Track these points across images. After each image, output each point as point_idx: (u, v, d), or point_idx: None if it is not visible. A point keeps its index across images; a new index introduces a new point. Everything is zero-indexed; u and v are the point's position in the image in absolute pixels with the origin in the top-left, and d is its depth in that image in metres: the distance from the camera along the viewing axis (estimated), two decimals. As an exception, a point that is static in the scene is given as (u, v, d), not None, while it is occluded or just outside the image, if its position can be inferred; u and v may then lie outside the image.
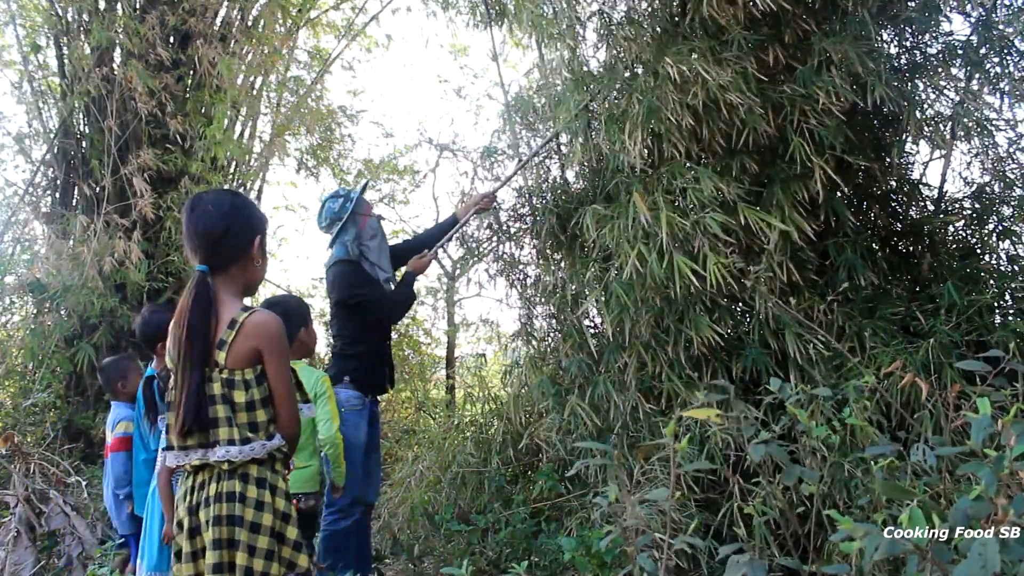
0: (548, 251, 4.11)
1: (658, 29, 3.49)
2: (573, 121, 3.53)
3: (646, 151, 3.23)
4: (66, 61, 6.28)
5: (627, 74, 3.53)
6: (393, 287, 3.57)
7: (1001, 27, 3.29)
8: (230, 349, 1.77)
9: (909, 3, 3.45)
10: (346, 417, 3.16)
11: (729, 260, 2.91)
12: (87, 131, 6.25)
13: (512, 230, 4.22)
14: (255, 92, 7.11)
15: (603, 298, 3.13)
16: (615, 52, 3.63)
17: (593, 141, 3.49)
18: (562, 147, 4.18)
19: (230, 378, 1.77)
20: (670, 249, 2.89)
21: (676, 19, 3.47)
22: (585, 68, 3.81)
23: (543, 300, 4.09)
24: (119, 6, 6.27)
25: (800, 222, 2.95)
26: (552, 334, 4.09)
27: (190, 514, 1.76)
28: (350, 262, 3.37)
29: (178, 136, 6.15)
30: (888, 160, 3.60)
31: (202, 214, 1.85)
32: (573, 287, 3.73)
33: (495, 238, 4.25)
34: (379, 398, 3.63)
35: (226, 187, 6.87)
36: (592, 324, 3.89)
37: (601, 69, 3.76)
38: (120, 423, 3.26)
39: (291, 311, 2.74)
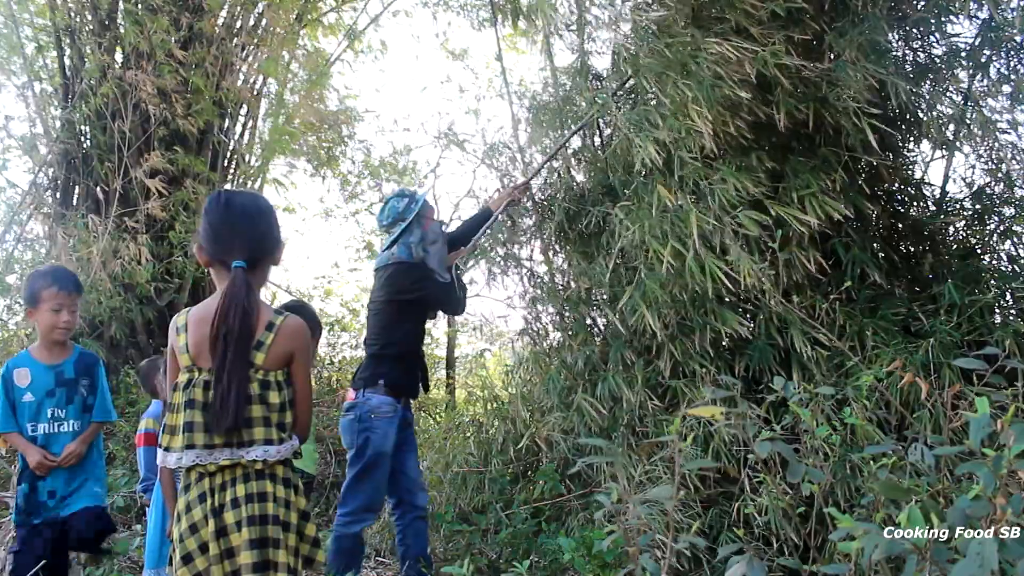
0: (556, 248, 4.13)
1: (679, 21, 3.47)
2: (607, 104, 3.44)
3: (663, 151, 3.21)
4: (67, 62, 6.29)
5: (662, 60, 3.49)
6: None
7: (1007, 29, 3.29)
8: (269, 351, 1.80)
9: (918, 5, 3.45)
10: (375, 425, 3.10)
11: (756, 260, 2.89)
12: (91, 132, 6.25)
13: (516, 227, 4.23)
14: (255, 92, 7.13)
15: (633, 295, 3.09)
16: (636, 46, 3.59)
17: (620, 133, 3.41)
18: (574, 149, 4.18)
19: (265, 379, 1.79)
20: (696, 248, 2.88)
21: (691, 15, 3.45)
22: (609, 61, 3.79)
23: (549, 298, 4.10)
24: (121, 6, 6.29)
25: (837, 206, 2.94)
26: (557, 332, 4.10)
27: (214, 516, 1.74)
28: (413, 264, 3.30)
29: (187, 136, 6.17)
30: (892, 159, 3.60)
31: (244, 211, 1.86)
32: (578, 284, 3.73)
33: (501, 235, 4.26)
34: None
35: (227, 187, 6.89)
36: (591, 321, 3.91)
37: (626, 56, 3.72)
38: (146, 419, 3.36)
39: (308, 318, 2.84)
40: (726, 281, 2.89)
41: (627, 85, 3.68)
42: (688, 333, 3.18)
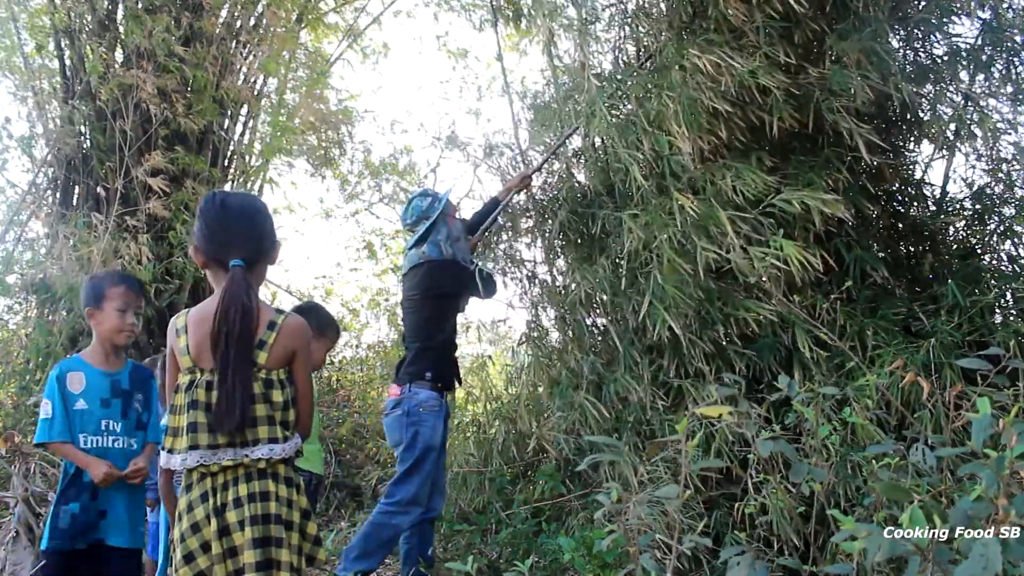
0: (556, 250, 4.13)
1: (675, 24, 3.48)
2: (601, 120, 3.48)
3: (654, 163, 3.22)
4: (67, 62, 6.28)
5: (648, 68, 3.50)
6: None
7: (1008, 30, 3.29)
8: (271, 350, 1.80)
9: (919, 5, 3.45)
10: (424, 418, 3.14)
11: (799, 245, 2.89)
12: (91, 132, 6.24)
13: (519, 229, 4.23)
14: (255, 92, 7.12)
15: (652, 300, 3.10)
16: (634, 46, 3.60)
17: (619, 139, 3.43)
18: (577, 152, 4.17)
19: (268, 378, 1.80)
20: (732, 238, 2.89)
21: (690, 17, 3.46)
22: (603, 67, 3.81)
23: (551, 300, 4.10)
24: (121, 6, 6.28)
25: (841, 203, 2.95)
26: (560, 335, 4.10)
27: (217, 515, 1.74)
28: (446, 260, 3.42)
29: (188, 135, 6.16)
30: (893, 160, 3.60)
31: (242, 211, 1.88)
32: (579, 286, 3.73)
33: (503, 236, 4.27)
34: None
35: (227, 187, 6.90)
36: (591, 322, 3.90)
37: (619, 64, 3.72)
38: None
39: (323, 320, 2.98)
40: (756, 266, 2.90)
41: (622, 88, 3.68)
42: (699, 331, 3.18)
